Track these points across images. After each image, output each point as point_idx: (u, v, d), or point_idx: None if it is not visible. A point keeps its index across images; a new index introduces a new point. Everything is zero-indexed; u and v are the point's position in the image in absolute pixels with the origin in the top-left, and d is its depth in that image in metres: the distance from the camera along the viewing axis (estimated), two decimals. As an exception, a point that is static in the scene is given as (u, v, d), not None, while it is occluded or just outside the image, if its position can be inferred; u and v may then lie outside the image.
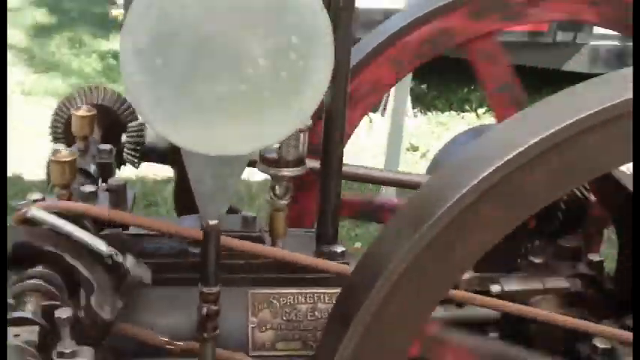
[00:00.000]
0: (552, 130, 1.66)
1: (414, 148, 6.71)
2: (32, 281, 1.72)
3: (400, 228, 1.86)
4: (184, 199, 2.52)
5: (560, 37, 7.26)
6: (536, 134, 1.67)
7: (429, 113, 7.51)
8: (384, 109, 6.47)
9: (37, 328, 1.61)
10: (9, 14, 7.74)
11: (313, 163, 2.34)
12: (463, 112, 7.56)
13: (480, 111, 7.43)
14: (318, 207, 2.34)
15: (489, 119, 6.66)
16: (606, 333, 2.11)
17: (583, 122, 1.66)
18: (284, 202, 2.29)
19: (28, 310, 1.66)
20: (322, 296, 2.25)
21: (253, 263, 2.26)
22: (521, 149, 1.67)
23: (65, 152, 2.05)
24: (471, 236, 1.75)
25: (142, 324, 2.14)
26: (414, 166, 6.25)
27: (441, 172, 1.96)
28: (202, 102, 1.49)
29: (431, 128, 7.24)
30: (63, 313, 1.58)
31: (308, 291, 2.25)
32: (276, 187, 2.28)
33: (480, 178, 1.69)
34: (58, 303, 1.68)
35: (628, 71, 1.75)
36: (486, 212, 1.72)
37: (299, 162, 2.25)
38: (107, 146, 2.41)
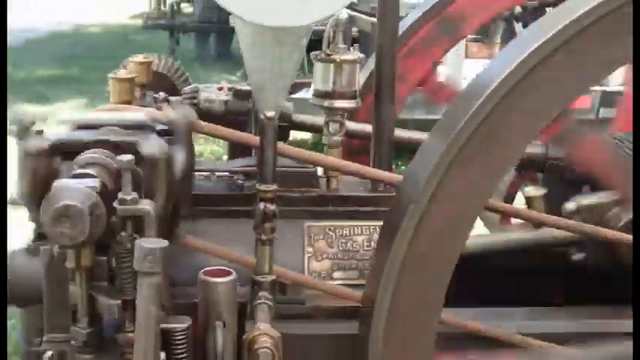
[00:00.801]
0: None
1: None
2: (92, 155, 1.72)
3: (439, 132, 1.85)
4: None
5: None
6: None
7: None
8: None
9: (97, 179, 1.61)
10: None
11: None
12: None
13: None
14: (372, 150, 2.34)
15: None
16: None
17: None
18: (338, 138, 2.30)
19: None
20: (378, 229, 2.21)
21: (309, 196, 2.25)
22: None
23: (124, 71, 2.09)
24: (512, 127, 1.73)
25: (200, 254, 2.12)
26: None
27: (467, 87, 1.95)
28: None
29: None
30: (124, 158, 1.58)
31: (364, 223, 2.23)
32: (330, 123, 2.29)
33: (513, 67, 1.69)
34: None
35: None
36: (524, 103, 1.71)
37: (352, 95, 2.27)
38: (162, 94, 2.44)
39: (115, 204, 1.58)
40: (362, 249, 2.20)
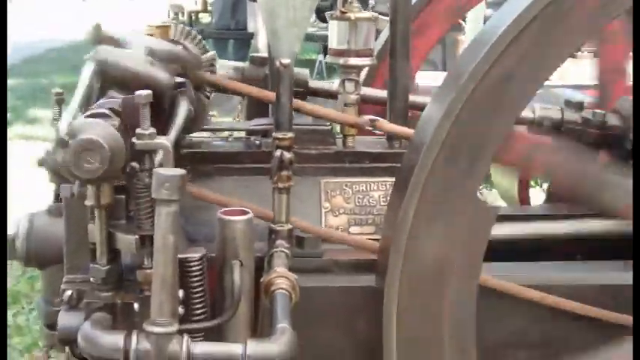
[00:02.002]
0: None
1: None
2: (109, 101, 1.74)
3: (448, 82, 1.86)
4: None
5: None
6: None
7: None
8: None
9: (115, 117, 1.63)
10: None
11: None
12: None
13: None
14: (388, 106, 2.36)
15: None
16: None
17: None
18: (354, 96, 2.31)
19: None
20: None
21: (325, 153, 2.26)
22: None
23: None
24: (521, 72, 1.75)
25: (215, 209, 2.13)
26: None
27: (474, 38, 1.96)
28: None
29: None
30: (143, 93, 1.59)
31: (380, 179, 2.24)
32: (346, 81, 2.31)
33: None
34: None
35: None
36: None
37: (367, 52, 2.29)
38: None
39: (134, 139, 1.60)
40: (378, 204, 2.21)
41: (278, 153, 1.93)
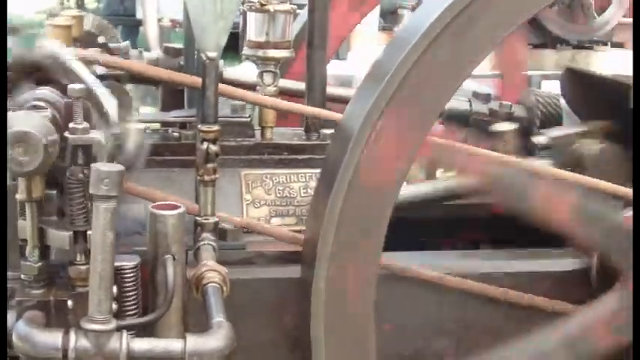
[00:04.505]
0: None
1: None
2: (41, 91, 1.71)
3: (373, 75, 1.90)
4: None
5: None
6: None
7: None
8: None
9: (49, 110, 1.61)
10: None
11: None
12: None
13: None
14: (305, 96, 2.38)
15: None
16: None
17: None
18: (272, 88, 2.32)
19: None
20: (314, 176, 2.25)
21: (245, 144, 2.27)
22: None
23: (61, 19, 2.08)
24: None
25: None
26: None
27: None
28: None
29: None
30: (75, 87, 1.57)
31: (300, 171, 2.26)
32: (264, 74, 2.32)
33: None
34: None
35: None
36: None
37: (286, 45, 2.30)
38: (96, 49, 2.43)
39: (66, 134, 1.58)
40: (299, 196, 2.23)
41: (204, 146, 1.93)
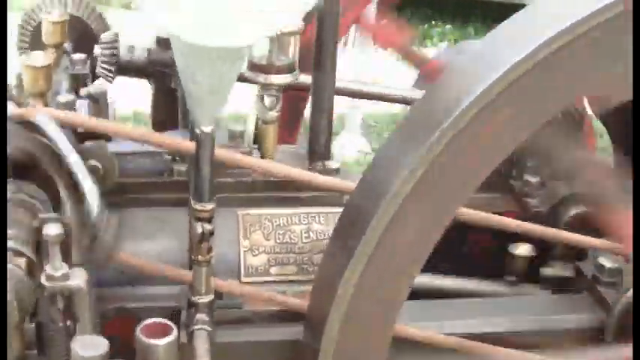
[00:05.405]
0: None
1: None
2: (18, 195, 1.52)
3: (405, 140, 1.68)
4: (162, 115, 2.34)
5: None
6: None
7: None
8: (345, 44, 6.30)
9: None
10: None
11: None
12: (424, 47, 7.39)
13: (442, 45, 7.29)
14: (310, 121, 2.16)
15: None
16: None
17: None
18: (274, 113, 2.11)
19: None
20: (317, 217, 2.07)
21: (243, 182, 2.07)
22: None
23: (40, 57, 1.84)
24: (486, 141, 1.59)
25: (126, 248, 1.94)
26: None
27: (438, 84, 1.76)
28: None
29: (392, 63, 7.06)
30: (52, 229, 1.37)
31: (302, 211, 2.07)
32: (265, 96, 2.09)
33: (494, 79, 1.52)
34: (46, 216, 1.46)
35: None
36: (502, 114, 1.56)
37: (290, 68, 2.07)
38: (81, 56, 2.19)
39: (43, 279, 1.39)
40: (300, 241, 2.06)
41: (198, 226, 1.74)
